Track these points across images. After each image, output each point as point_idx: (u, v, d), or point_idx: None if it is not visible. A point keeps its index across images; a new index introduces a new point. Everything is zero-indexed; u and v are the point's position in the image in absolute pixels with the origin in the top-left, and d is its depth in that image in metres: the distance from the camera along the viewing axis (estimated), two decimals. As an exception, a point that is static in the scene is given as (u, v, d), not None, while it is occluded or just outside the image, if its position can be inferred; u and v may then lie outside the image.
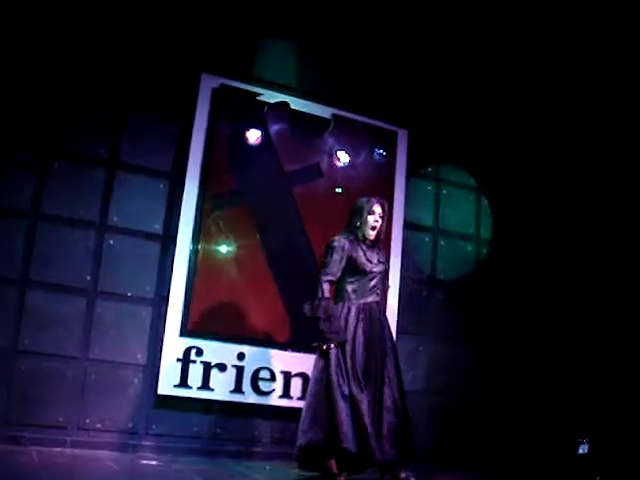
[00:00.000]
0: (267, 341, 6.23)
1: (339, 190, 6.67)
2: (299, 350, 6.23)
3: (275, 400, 6.14)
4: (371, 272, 5.07)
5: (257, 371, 6.12)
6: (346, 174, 6.73)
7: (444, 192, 7.30)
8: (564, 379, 6.77)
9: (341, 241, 5.06)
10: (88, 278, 5.77)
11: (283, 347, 6.27)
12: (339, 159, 6.69)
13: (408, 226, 6.97)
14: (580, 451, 5.88)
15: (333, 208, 6.31)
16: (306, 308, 4.96)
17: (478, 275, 7.19)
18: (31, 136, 5.76)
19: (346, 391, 4.78)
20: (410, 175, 7.07)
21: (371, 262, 5.08)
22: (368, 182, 6.72)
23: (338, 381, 4.81)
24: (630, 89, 6.85)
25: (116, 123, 6.03)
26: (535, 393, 6.89)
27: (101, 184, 5.93)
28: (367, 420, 4.73)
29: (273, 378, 6.16)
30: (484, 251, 7.32)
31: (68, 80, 5.90)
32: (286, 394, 6.16)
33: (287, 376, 6.21)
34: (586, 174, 7.27)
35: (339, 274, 5.02)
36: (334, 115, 6.76)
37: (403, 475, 4.86)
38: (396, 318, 6.56)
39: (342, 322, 4.93)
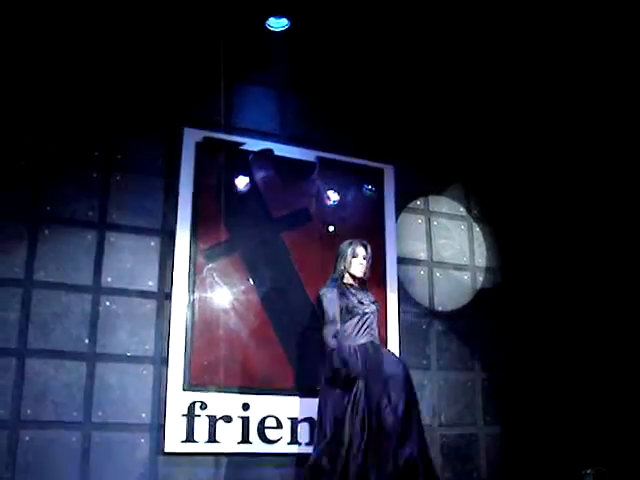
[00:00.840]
0: (271, 389, 6.18)
1: (332, 229, 6.69)
2: (304, 395, 6.18)
3: (283, 447, 6.08)
4: (364, 314, 5.09)
5: (263, 420, 6.08)
6: (335, 215, 6.74)
7: (435, 224, 7.32)
8: (569, 408, 6.74)
9: (329, 293, 5.16)
10: (86, 341, 5.75)
11: (287, 393, 6.22)
12: (327, 201, 6.72)
13: (402, 261, 6.97)
14: (586, 480, 5.87)
15: (324, 250, 6.33)
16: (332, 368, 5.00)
17: (476, 304, 7.19)
18: (19, 204, 5.78)
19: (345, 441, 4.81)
20: (400, 210, 7.10)
21: (363, 304, 5.11)
22: (358, 221, 6.76)
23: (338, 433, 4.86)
24: (621, 112, 6.92)
25: (103, 184, 6.06)
26: (541, 422, 6.85)
27: (92, 246, 5.93)
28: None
29: (280, 426, 6.12)
30: (480, 279, 7.33)
31: (51, 143, 5.95)
32: (294, 440, 6.11)
33: (294, 422, 6.16)
34: (579, 198, 7.33)
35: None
36: (319, 158, 6.81)
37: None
38: (398, 353, 6.56)
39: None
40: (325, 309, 5.20)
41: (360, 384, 4.94)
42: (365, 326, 5.15)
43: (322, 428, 5.01)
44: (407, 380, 5.13)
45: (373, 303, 5.26)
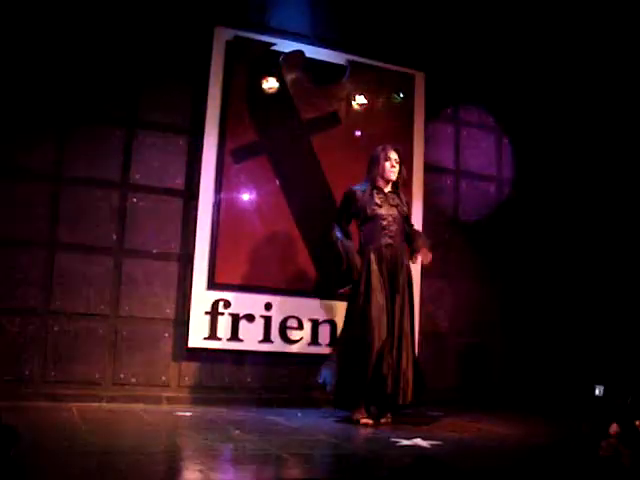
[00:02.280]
0: (293, 290, 6.31)
1: (359, 133, 6.66)
2: (325, 297, 6.30)
3: (304, 348, 6.24)
4: (377, 215, 5.32)
5: (285, 320, 6.22)
6: (364, 120, 6.70)
7: (464, 133, 7.26)
8: (584, 324, 6.79)
9: (348, 192, 5.45)
10: (114, 237, 5.86)
11: (309, 295, 6.35)
12: (357, 105, 6.66)
13: (429, 169, 6.96)
14: (596, 392, 5.98)
15: (352, 154, 6.35)
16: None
17: (500, 215, 7.18)
18: (50, 99, 5.78)
19: (368, 339, 5.07)
20: (429, 118, 7.03)
21: (380, 206, 5.33)
22: (387, 127, 6.72)
23: (361, 332, 5.11)
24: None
25: (133, 81, 6.04)
26: (556, 333, 6.93)
27: (121, 143, 5.97)
28: (387, 367, 5.06)
29: (301, 326, 6.26)
30: (506, 191, 7.29)
31: (84, 40, 5.89)
32: (314, 341, 6.27)
33: (315, 324, 6.31)
34: (612, 108, 7.16)
35: (344, 221, 5.43)
36: (350, 61, 6.72)
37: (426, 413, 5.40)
38: (420, 263, 6.61)
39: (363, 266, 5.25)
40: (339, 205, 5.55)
41: (378, 283, 5.19)
42: (382, 227, 5.30)
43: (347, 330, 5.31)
44: (408, 286, 5.37)
45: (397, 206, 5.36)
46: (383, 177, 5.40)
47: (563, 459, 4.02)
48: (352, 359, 5.11)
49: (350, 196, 5.40)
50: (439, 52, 7.09)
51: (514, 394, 6.69)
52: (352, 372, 5.08)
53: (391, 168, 5.39)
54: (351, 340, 5.19)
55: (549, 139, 7.34)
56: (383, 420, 5.13)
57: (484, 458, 3.98)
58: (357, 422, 5.04)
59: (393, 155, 5.40)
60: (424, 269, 6.50)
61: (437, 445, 4.18)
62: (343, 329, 5.38)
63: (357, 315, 5.18)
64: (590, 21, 7.03)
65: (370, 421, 5.04)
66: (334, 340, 6.15)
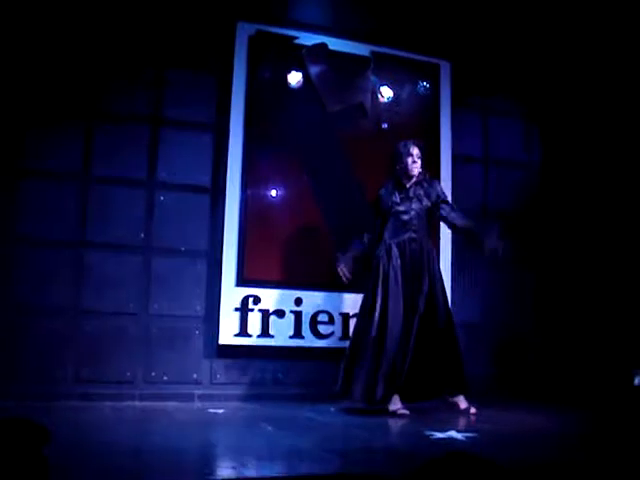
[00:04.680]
0: (323, 284, 6.24)
1: (385, 126, 6.60)
2: (356, 291, 6.21)
3: (335, 342, 6.19)
4: (398, 212, 5.35)
5: (315, 315, 6.18)
6: (390, 111, 6.64)
7: (491, 122, 7.15)
8: (621, 309, 6.68)
9: (377, 195, 5.50)
10: (142, 235, 5.86)
11: (339, 289, 6.24)
12: (382, 97, 6.60)
13: (457, 159, 6.88)
14: (636, 382, 5.89)
15: (379, 146, 6.27)
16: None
17: (530, 203, 7.08)
18: (76, 99, 5.79)
19: (386, 333, 5.13)
20: (456, 107, 6.94)
21: (399, 203, 5.35)
22: (413, 117, 6.69)
23: (377, 325, 5.17)
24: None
25: (157, 79, 6.03)
26: (593, 322, 6.82)
27: (147, 141, 5.96)
28: (409, 359, 5.09)
29: (332, 321, 6.22)
30: (536, 178, 7.19)
31: (105, 40, 5.88)
32: (345, 336, 6.17)
33: (345, 318, 6.25)
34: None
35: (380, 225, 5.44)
36: (373, 52, 6.65)
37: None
38: (451, 253, 6.56)
39: (378, 261, 5.30)
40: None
41: (399, 277, 5.23)
42: (403, 222, 5.34)
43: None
44: (435, 278, 5.37)
45: (420, 199, 5.34)
46: (406, 173, 5.40)
47: (602, 450, 3.95)
48: (365, 351, 5.15)
49: (377, 200, 5.48)
50: (464, 40, 6.97)
51: (551, 384, 6.59)
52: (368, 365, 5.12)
53: (413, 164, 5.38)
54: (361, 332, 5.26)
55: (578, 123, 7.20)
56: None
57: (520, 450, 3.92)
58: (394, 413, 5.05)
59: (415, 151, 5.40)
60: (455, 261, 6.48)
61: (472, 437, 4.13)
62: (355, 323, 5.51)
63: (367, 308, 5.27)
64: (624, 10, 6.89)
65: (407, 412, 5.06)
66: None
